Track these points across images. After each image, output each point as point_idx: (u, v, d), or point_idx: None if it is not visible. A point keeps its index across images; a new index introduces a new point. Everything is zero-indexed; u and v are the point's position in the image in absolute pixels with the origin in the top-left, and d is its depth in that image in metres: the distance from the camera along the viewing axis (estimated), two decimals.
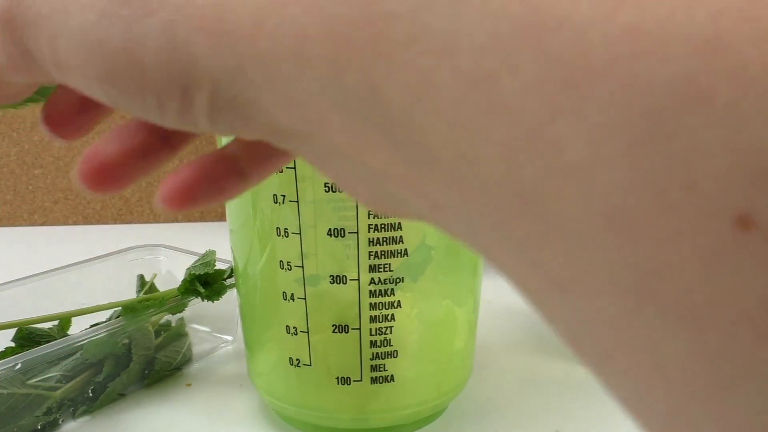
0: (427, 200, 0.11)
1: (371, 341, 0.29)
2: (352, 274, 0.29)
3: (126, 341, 0.36)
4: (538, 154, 0.09)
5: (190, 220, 0.86)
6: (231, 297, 0.40)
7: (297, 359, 0.30)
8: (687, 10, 0.08)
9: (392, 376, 0.30)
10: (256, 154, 0.19)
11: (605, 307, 0.09)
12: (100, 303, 0.39)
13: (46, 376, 0.33)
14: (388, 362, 0.30)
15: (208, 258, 0.40)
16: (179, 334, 0.40)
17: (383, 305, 0.29)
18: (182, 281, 0.39)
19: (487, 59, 0.09)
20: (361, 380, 0.30)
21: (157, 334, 0.38)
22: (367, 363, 0.30)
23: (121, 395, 0.37)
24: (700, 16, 0.08)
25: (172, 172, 0.18)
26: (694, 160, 0.08)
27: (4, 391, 0.31)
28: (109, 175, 0.16)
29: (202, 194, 0.18)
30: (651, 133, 0.08)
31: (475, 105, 0.09)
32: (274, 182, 0.28)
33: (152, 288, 0.42)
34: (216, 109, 0.13)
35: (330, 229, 0.28)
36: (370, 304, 0.29)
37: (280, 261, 0.29)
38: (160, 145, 0.18)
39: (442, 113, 0.10)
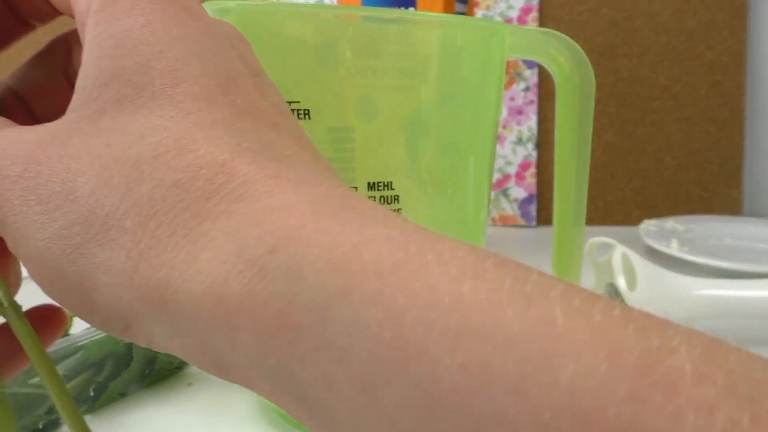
0: None
1: None
2: None
3: (127, 341, 0.36)
4: None
5: None
6: None
7: None
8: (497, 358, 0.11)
9: None
10: None
11: None
12: None
13: None
14: None
15: None
16: None
17: None
18: None
19: (369, 373, 0.12)
20: None
21: None
22: None
23: (123, 395, 0.37)
24: (501, 362, 0.11)
25: None
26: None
27: (6, 390, 0.31)
28: None
29: None
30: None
31: (364, 406, 0.12)
32: None
33: None
34: (155, 347, 0.15)
35: None
36: None
37: None
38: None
39: (343, 404, 0.12)
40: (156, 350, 0.15)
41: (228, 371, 0.14)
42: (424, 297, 0.11)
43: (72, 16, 0.17)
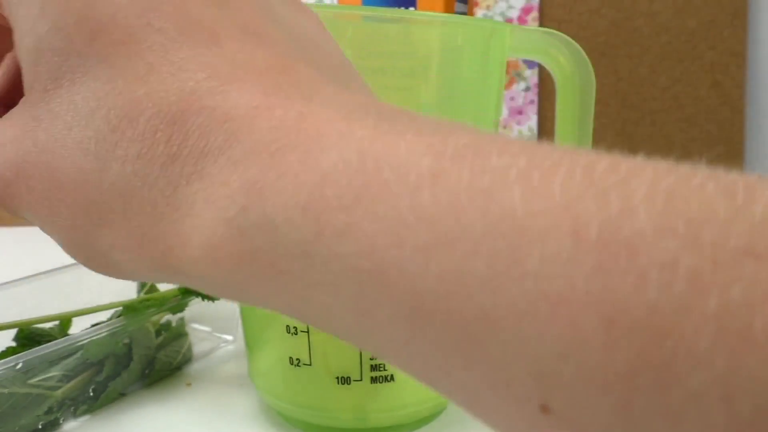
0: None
1: None
2: None
3: (126, 341, 0.36)
4: (412, 361, 0.13)
5: None
6: None
7: (297, 359, 0.31)
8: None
9: (392, 375, 0.30)
10: None
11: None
12: (101, 303, 0.39)
13: (47, 375, 0.33)
14: None
15: None
16: (179, 333, 0.40)
17: None
18: None
19: (362, 301, 0.12)
20: (361, 380, 0.30)
21: (158, 333, 0.39)
22: (367, 362, 0.30)
23: (122, 395, 0.37)
24: (472, 265, 0.11)
25: None
26: (506, 366, 0.11)
27: (6, 391, 0.31)
28: None
29: None
30: (481, 348, 0.11)
31: (363, 330, 0.13)
32: None
33: (153, 288, 0.43)
34: None
35: None
36: None
37: None
38: None
39: (346, 326, 0.13)
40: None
41: (255, 305, 0.15)
42: (390, 219, 0.12)
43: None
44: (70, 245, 0.16)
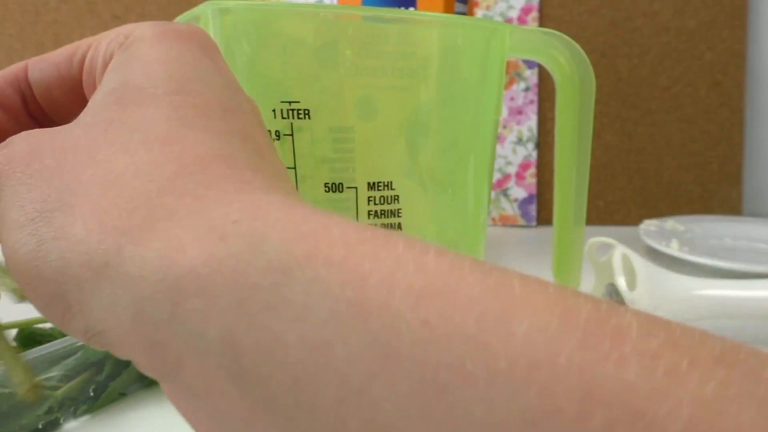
0: None
1: None
2: None
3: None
4: (361, 409, 0.11)
5: None
6: None
7: None
8: (454, 312, 0.11)
9: None
10: None
11: None
12: None
13: (47, 375, 0.33)
14: None
15: None
16: None
17: None
18: None
19: (326, 330, 0.12)
20: None
21: None
22: None
23: (122, 394, 0.37)
24: (461, 318, 0.11)
25: None
26: (466, 426, 0.10)
27: (6, 390, 0.31)
28: None
29: None
30: (446, 403, 0.11)
31: (314, 365, 0.12)
32: None
33: None
34: (90, 333, 0.15)
35: None
36: None
37: None
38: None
39: (287, 368, 0.12)
40: (93, 345, 0.15)
41: (161, 351, 0.13)
42: (389, 263, 0.12)
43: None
44: (23, 222, 0.15)
